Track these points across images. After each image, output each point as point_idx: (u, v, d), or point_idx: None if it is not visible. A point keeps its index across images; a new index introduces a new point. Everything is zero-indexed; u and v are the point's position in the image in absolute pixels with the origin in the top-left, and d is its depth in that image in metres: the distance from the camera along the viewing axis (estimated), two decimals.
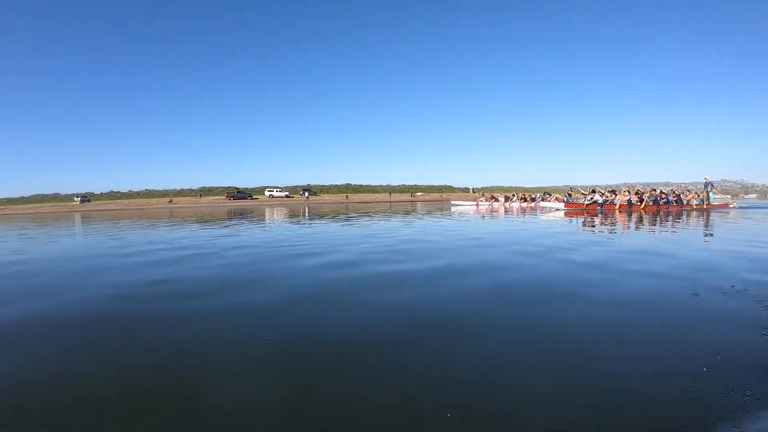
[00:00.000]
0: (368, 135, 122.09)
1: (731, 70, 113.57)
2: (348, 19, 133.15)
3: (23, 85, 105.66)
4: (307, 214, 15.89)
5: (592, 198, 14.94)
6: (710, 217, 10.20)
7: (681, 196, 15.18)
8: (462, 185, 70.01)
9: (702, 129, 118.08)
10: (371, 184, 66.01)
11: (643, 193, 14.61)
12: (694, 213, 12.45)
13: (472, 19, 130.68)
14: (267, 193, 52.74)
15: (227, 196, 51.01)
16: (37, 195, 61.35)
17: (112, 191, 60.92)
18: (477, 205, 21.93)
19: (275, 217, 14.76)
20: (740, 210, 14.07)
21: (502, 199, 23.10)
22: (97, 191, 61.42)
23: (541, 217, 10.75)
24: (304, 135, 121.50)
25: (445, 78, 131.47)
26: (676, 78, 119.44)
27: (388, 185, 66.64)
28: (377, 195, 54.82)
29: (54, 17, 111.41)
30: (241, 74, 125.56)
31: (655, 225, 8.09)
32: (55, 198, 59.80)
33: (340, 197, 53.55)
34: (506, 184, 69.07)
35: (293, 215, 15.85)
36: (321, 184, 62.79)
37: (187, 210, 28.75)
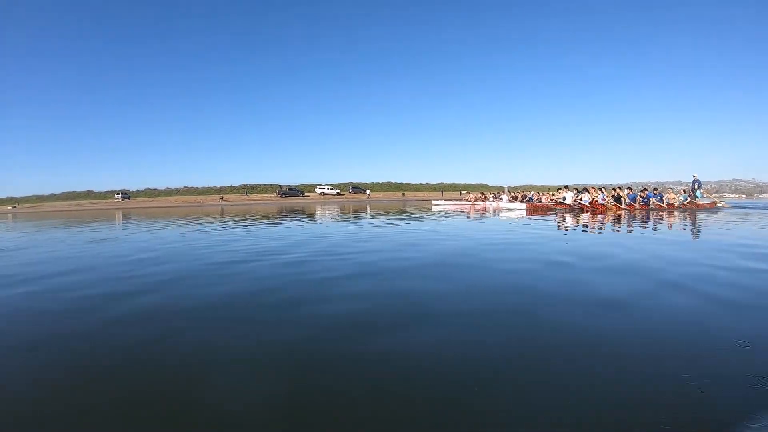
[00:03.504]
0: (405, 134, 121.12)
1: (744, 68, 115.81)
2: (382, 18, 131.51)
3: (42, 83, 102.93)
4: (403, 212, 15.17)
5: (563, 198, 14.46)
6: (696, 218, 9.37)
7: (663, 195, 13.84)
8: (498, 183, 70.27)
9: (714, 128, 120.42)
10: (411, 182, 65.69)
11: (619, 193, 13.45)
12: (677, 213, 11.52)
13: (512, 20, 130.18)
14: (318, 191, 51.84)
15: (279, 194, 49.97)
16: (70, 192, 59.22)
17: (148, 188, 59.12)
18: (473, 204, 20.37)
19: (393, 214, 13.72)
20: (729, 210, 12.72)
21: (491, 198, 21.81)
22: (131, 188, 59.53)
23: (501, 216, 11.11)
24: (342, 133, 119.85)
25: (481, 76, 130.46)
26: (692, 76, 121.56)
27: (428, 183, 66.43)
28: (428, 193, 54.42)
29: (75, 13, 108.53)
30: (268, 74, 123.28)
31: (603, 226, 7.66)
32: (90, 195, 57.75)
33: (395, 195, 53.01)
34: (541, 182, 69.49)
35: (396, 212, 14.96)
36: (363, 181, 62.15)
37: (247, 207, 27.46)
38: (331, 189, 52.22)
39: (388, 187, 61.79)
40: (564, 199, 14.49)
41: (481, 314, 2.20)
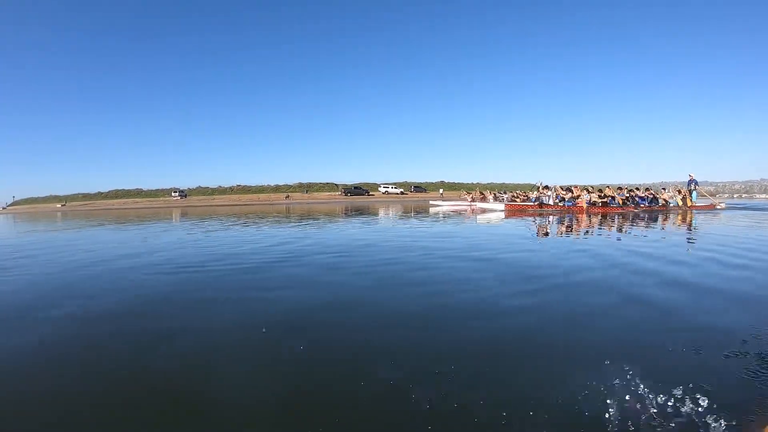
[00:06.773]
0: (456, 133, 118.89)
1: (754, 67, 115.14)
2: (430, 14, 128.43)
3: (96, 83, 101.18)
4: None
5: (541, 198, 13.81)
6: (692, 220, 8.79)
7: (656, 195, 13.37)
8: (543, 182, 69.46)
9: (742, 126, 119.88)
10: (463, 182, 64.81)
11: (605, 193, 12.86)
12: (671, 214, 10.87)
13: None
14: (381, 190, 50.81)
15: (343, 192, 48.95)
16: (119, 190, 57.72)
17: (200, 186, 57.73)
18: (471, 205, 19.40)
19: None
20: (728, 212, 12.04)
21: (491, 199, 20.91)
22: (178, 186, 58.09)
23: (478, 219, 10.44)
24: (393, 129, 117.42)
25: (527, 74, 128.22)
26: (716, 73, 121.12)
27: (478, 183, 65.60)
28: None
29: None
30: (315, 74, 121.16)
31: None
32: (140, 193, 56.27)
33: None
34: (586, 182, 68.86)
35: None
36: (415, 180, 61.19)
37: (317, 205, 26.19)
38: (395, 188, 51.22)
39: (442, 186, 60.86)
40: (546, 198, 13.97)
41: None
